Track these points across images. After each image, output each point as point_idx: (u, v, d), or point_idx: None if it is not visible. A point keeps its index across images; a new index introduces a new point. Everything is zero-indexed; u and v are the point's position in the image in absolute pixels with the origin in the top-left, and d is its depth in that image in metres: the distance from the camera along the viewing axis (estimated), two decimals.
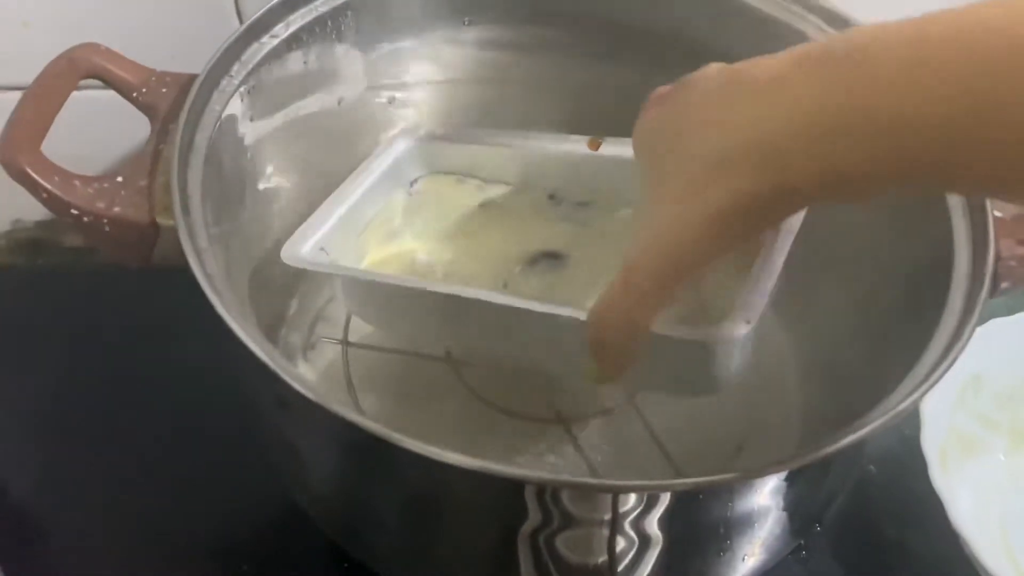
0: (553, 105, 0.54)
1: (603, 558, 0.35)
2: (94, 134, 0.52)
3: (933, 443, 0.48)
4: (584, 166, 0.47)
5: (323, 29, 0.47)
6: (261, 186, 0.48)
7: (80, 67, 0.41)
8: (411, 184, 0.50)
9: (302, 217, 0.45)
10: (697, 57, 0.49)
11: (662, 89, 0.34)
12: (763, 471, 0.31)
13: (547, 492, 0.32)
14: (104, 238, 0.39)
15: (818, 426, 0.37)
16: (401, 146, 0.49)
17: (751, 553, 0.40)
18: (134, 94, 0.42)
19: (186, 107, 0.40)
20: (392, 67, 0.51)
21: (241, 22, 0.50)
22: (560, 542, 0.35)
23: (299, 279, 0.52)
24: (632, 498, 0.32)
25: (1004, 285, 0.39)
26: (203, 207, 0.38)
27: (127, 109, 0.42)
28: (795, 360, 0.50)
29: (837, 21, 0.46)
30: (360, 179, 0.47)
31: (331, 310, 0.53)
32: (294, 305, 0.53)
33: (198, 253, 0.35)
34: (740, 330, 0.35)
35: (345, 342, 0.51)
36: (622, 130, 0.53)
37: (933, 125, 0.24)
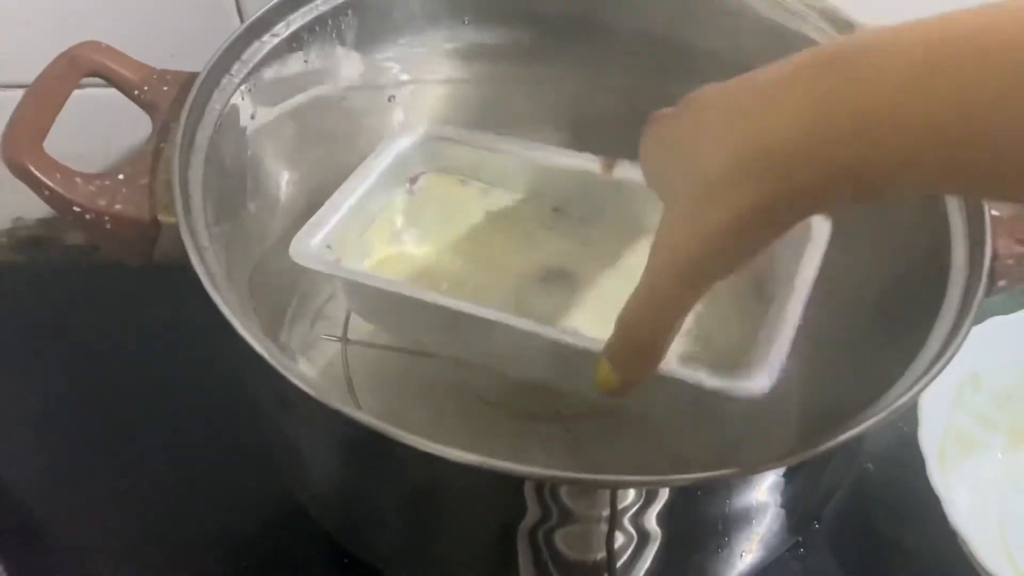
0: (552, 104, 0.54)
1: (602, 554, 0.36)
2: (95, 132, 0.52)
3: (931, 441, 0.48)
4: (590, 183, 0.48)
5: (323, 28, 0.47)
6: (261, 184, 0.48)
7: (82, 65, 0.41)
8: (413, 181, 0.50)
9: (302, 215, 0.45)
10: (694, 59, 0.50)
11: (664, 111, 0.34)
12: (761, 467, 0.31)
13: (546, 488, 0.32)
14: (105, 235, 0.39)
15: (816, 423, 0.37)
16: (405, 142, 0.49)
17: (749, 550, 0.40)
18: (135, 92, 0.42)
19: (187, 105, 0.40)
20: (392, 66, 0.52)
21: (242, 21, 0.50)
22: (559, 538, 0.35)
23: (299, 277, 0.52)
24: (631, 494, 0.32)
25: (1001, 283, 0.39)
26: (204, 205, 0.38)
27: (128, 107, 0.43)
28: (793, 358, 0.50)
29: (837, 21, 0.46)
30: (364, 175, 0.47)
31: (331, 308, 0.53)
32: (294, 303, 0.53)
33: (199, 251, 0.35)
34: (763, 385, 0.37)
35: (345, 340, 0.52)
36: (622, 129, 0.53)
37: (943, 127, 0.24)
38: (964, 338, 0.35)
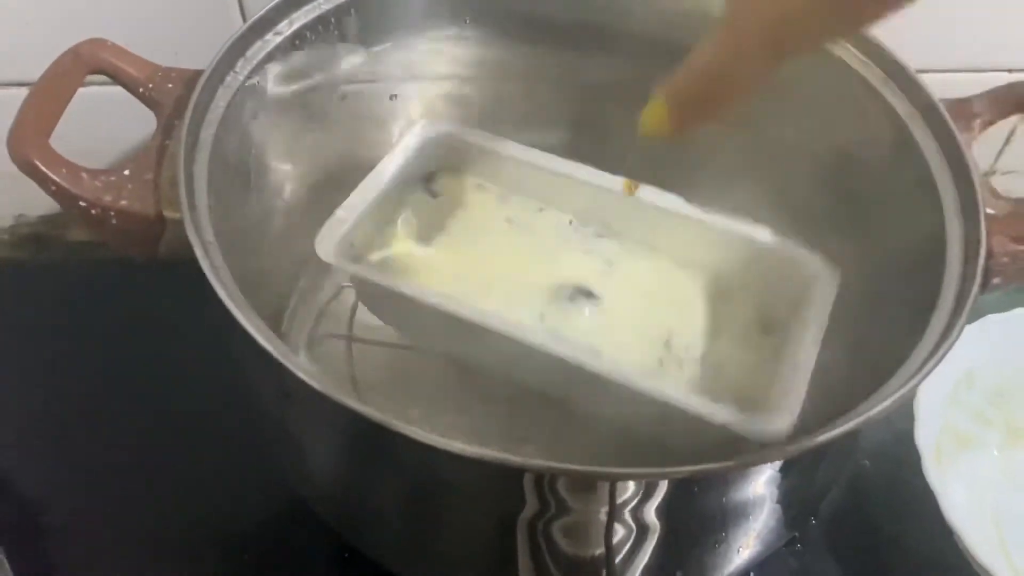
0: (553, 103, 0.55)
1: (601, 547, 0.36)
2: (100, 128, 0.52)
3: (927, 438, 0.48)
4: (606, 199, 0.49)
5: (326, 27, 0.47)
6: (264, 181, 0.48)
7: (87, 62, 0.42)
8: (429, 181, 0.51)
9: (305, 212, 0.45)
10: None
11: None
12: (758, 460, 0.32)
13: (545, 480, 0.32)
14: (111, 230, 0.39)
15: (811, 418, 0.38)
16: (420, 141, 0.50)
17: (746, 544, 0.40)
18: (140, 89, 0.42)
19: (191, 103, 0.40)
20: (394, 64, 0.52)
21: (244, 19, 0.51)
22: (558, 530, 0.35)
23: (303, 273, 0.53)
24: (630, 486, 0.32)
25: (996, 281, 0.39)
26: (208, 201, 0.38)
27: (133, 104, 0.43)
28: None
29: None
30: (381, 173, 0.48)
31: (335, 305, 0.53)
32: (297, 299, 0.53)
33: (204, 246, 0.36)
34: (784, 429, 0.38)
35: (349, 337, 0.52)
36: (622, 129, 0.53)
37: None
38: (959, 335, 0.35)
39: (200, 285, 0.35)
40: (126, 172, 0.39)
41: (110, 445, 0.53)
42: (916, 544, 0.50)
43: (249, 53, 0.44)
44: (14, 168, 0.39)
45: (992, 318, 0.53)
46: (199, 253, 0.35)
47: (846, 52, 0.46)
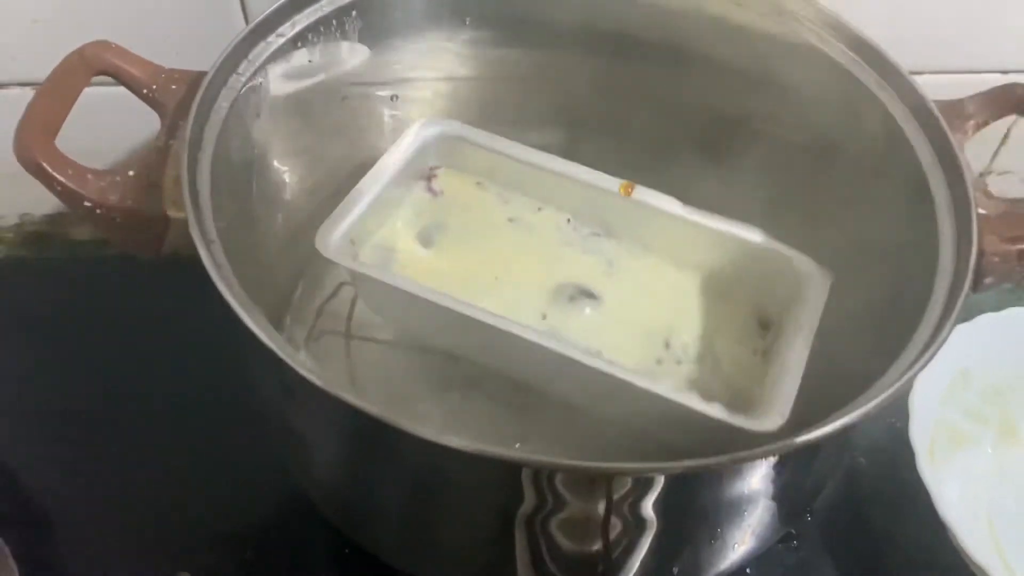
0: (552, 103, 0.55)
1: (598, 542, 0.36)
2: (105, 129, 0.52)
3: (922, 436, 0.48)
4: (603, 199, 0.49)
5: (328, 29, 0.47)
6: (267, 180, 0.48)
7: (92, 64, 0.42)
8: (430, 178, 0.51)
9: (307, 211, 0.45)
10: (689, 62, 0.50)
11: None
12: (753, 455, 0.32)
13: (544, 475, 0.33)
14: (116, 230, 0.39)
15: (805, 415, 0.38)
16: (421, 138, 0.50)
17: (742, 540, 0.41)
18: (144, 91, 0.43)
19: (195, 104, 0.40)
20: (395, 65, 0.52)
21: (247, 21, 0.51)
22: (556, 525, 0.35)
23: (304, 271, 0.53)
24: (626, 481, 0.33)
25: (987, 280, 0.39)
26: (212, 201, 0.39)
27: (137, 104, 0.43)
28: None
29: (833, 25, 0.47)
30: (382, 170, 0.48)
31: (334, 303, 0.53)
32: (298, 297, 0.53)
33: (207, 245, 0.36)
34: (776, 424, 0.39)
35: (348, 335, 0.52)
36: (623, 131, 0.54)
37: None
38: (950, 332, 0.36)
39: (203, 283, 0.35)
40: (131, 173, 0.39)
41: (113, 441, 0.53)
42: (910, 540, 0.51)
43: (252, 54, 0.44)
44: (19, 167, 0.39)
45: (986, 317, 0.53)
46: (202, 251, 0.36)
47: (840, 53, 0.46)
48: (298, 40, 0.46)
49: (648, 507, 0.34)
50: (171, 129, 0.41)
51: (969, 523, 0.47)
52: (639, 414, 0.44)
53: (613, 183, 0.49)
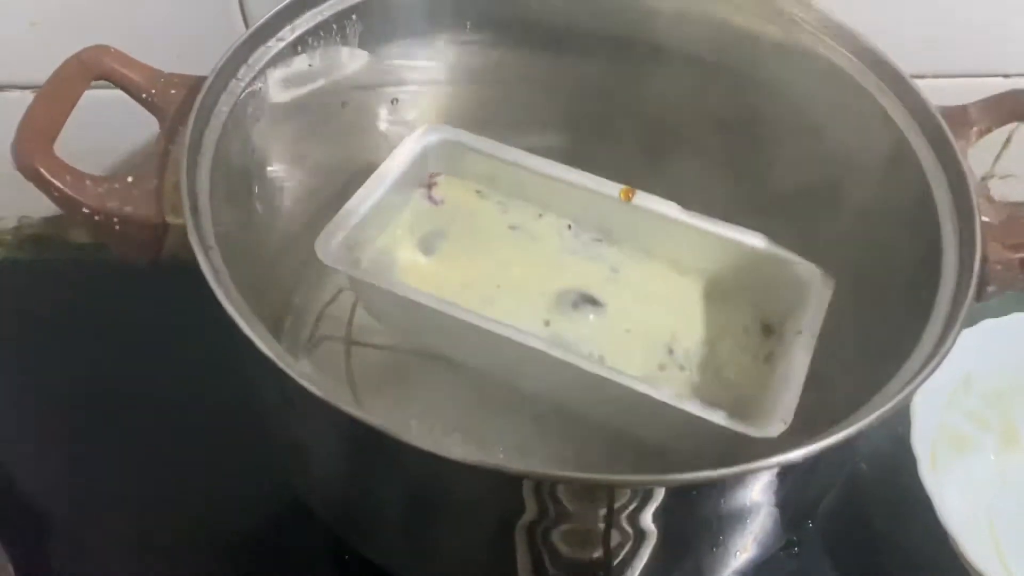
0: (553, 106, 0.55)
1: (599, 552, 0.36)
2: (104, 133, 0.52)
3: (924, 442, 0.48)
4: (604, 205, 0.49)
5: (328, 33, 0.47)
6: (266, 186, 0.48)
7: (91, 69, 0.42)
8: (429, 186, 0.51)
9: (306, 216, 0.45)
10: (688, 64, 0.50)
11: None
12: (756, 467, 0.32)
13: (544, 487, 0.32)
14: (115, 236, 0.39)
15: (808, 423, 0.38)
16: (421, 145, 0.50)
17: (744, 548, 0.41)
18: (143, 95, 0.42)
19: (194, 109, 0.40)
20: (395, 69, 0.52)
21: (247, 25, 0.51)
22: (557, 536, 0.35)
23: (303, 277, 0.53)
24: (627, 493, 0.33)
25: (991, 288, 0.39)
26: (211, 206, 0.38)
27: (136, 109, 0.43)
28: None
29: (831, 27, 0.47)
30: (382, 177, 0.48)
31: (333, 309, 0.53)
32: (297, 303, 0.53)
33: (206, 251, 0.36)
34: (778, 430, 0.39)
35: (348, 340, 0.52)
36: (622, 130, 0.54)
37: None
38: (955, 340, 0.35)
39: (202, 288, 0.35)
40: (129, 179, 0.39)
41: (111, 445, 0.53)
42: (912, 547, 0.51)
43: (251, 59, 0.44)
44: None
45: (988, 323, 0.53)
46: (201, 257, 0.35)
47: (841, 57, 0.46)
48: (298, 44, 0.46)
49: (649, 518, 0.34)
50: (170, 134, 0.41)
51: (970, 529, 0.47)
52: (642, 420, 0.44)
53: (613, 188, 0.49)
